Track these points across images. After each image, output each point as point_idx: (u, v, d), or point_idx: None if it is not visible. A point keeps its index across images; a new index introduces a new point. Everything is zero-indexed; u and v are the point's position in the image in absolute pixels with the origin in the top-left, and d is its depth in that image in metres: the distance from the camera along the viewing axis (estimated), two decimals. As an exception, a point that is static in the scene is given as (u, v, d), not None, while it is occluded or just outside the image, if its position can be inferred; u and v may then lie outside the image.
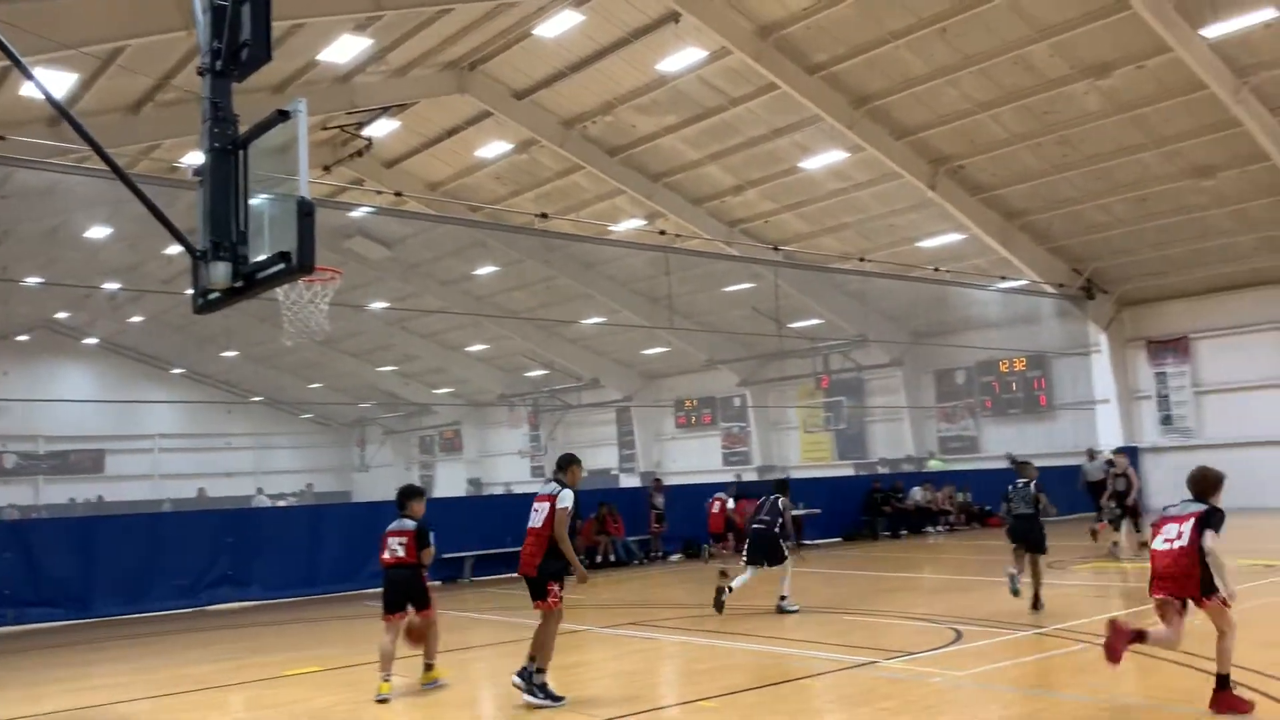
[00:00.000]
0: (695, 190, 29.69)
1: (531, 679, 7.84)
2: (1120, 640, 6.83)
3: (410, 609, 8.67)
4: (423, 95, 26.29)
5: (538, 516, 8.02)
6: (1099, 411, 30.90)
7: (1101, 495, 24.20)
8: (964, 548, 21.63)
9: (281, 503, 34.69)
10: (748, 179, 28.60)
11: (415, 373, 49.13)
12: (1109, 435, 29.92)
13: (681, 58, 22.92)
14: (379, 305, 36.63)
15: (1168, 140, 23.37)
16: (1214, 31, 19.49)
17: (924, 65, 22.60)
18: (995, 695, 7.55)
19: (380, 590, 8.95)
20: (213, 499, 38.55)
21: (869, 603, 13.26)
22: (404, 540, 8.68)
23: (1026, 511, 11.98)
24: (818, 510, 23.36)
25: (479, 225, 29.40)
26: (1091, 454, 23.59)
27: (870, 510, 24.59)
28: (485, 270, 35.89)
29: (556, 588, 7.95)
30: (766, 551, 12.40)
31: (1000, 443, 33.95)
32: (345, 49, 21.86)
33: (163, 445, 48.96)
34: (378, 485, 50.92)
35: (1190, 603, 6.94)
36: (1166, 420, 29.94)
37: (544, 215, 21.11)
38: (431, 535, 8.80)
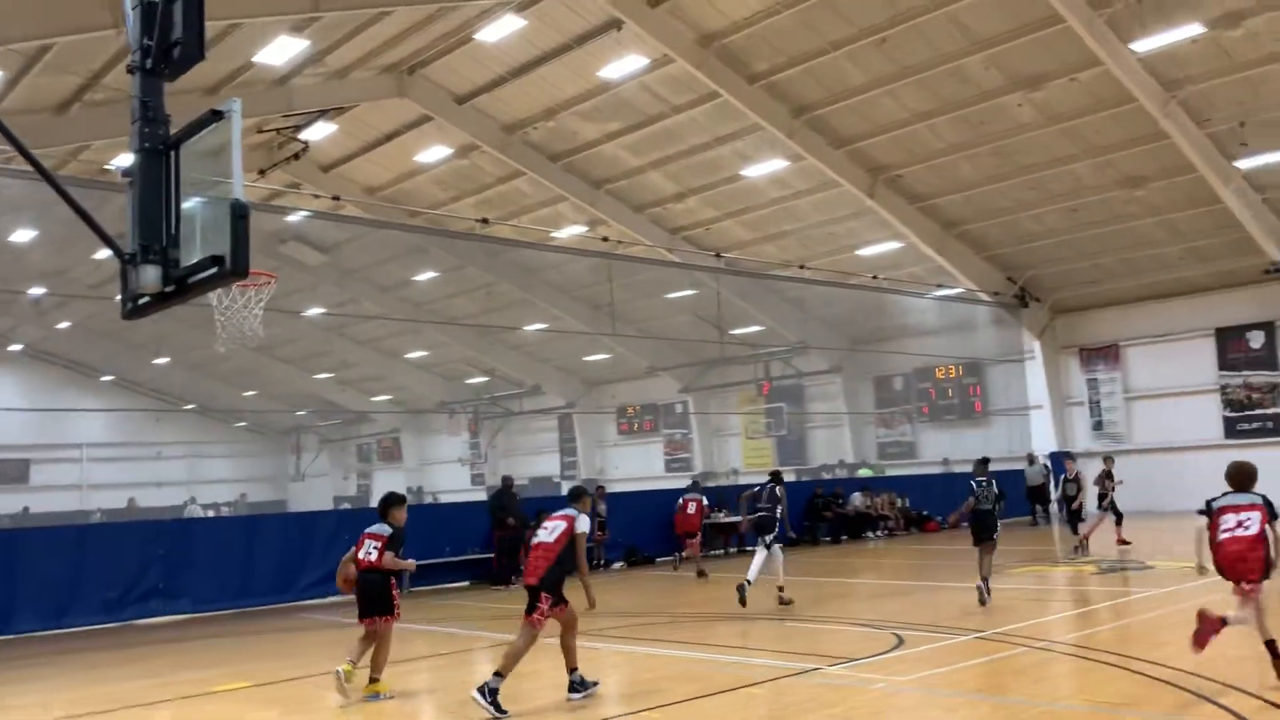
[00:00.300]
0: (637, 197, 29.70)
1: (584, 684, 8.29)
2: (1210, 630, 7.51)
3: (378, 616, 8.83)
4: (362, 99, 25.95)
5: (548, 534, 8.34)
6: (1033, 417, 31.47)
7: (1040, 499, 24.76)
8: (903, 552, 21.85)
9: (212, 512, 33.95)
10: (689, 186, 28.68)
11: (353, 380, 48.47)
12: (1043, 440, 30.49)
13: (623, 65, 22.93)
14: (316, 311, 36.08)
15: (1099, 151, 23.89)
16: (1143, 46, 19.96)
17: (863, 75, 22.85)
18: (937, 700, 7.59)
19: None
20: (143, 509, 37.58)
21: (811, 609, 13.29)
22: (378, 545, 8.81)
23: (987, 508, 12.91)
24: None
25: (419, 230, 29.07)
26: (1031, 459, 24.04)
27: (811, 516, 24.72)
28: (425, 276, 35.53)
29: (547, 604, 8.12)
30: (770, 531, 13.74)
31: (937, 448, 34.46)
32: (282, 50, 21.47)
33: (91, 454, 47.69)
34: (314, 494, 50.16)
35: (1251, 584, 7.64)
36: (1098, 425, 30.59)
37: (485, 221, 20.94)
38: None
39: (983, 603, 12.27)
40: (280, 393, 50.15)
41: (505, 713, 7.73)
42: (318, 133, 27.15)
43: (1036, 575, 15.79)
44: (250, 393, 50.65)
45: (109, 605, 14.99)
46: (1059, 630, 10.75)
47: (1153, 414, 29.59)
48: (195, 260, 6.02)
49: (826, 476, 33.36)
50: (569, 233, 29.26)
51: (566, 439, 46.03)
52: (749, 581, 13.15)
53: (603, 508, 20.59)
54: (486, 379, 44.47)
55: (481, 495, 44.13)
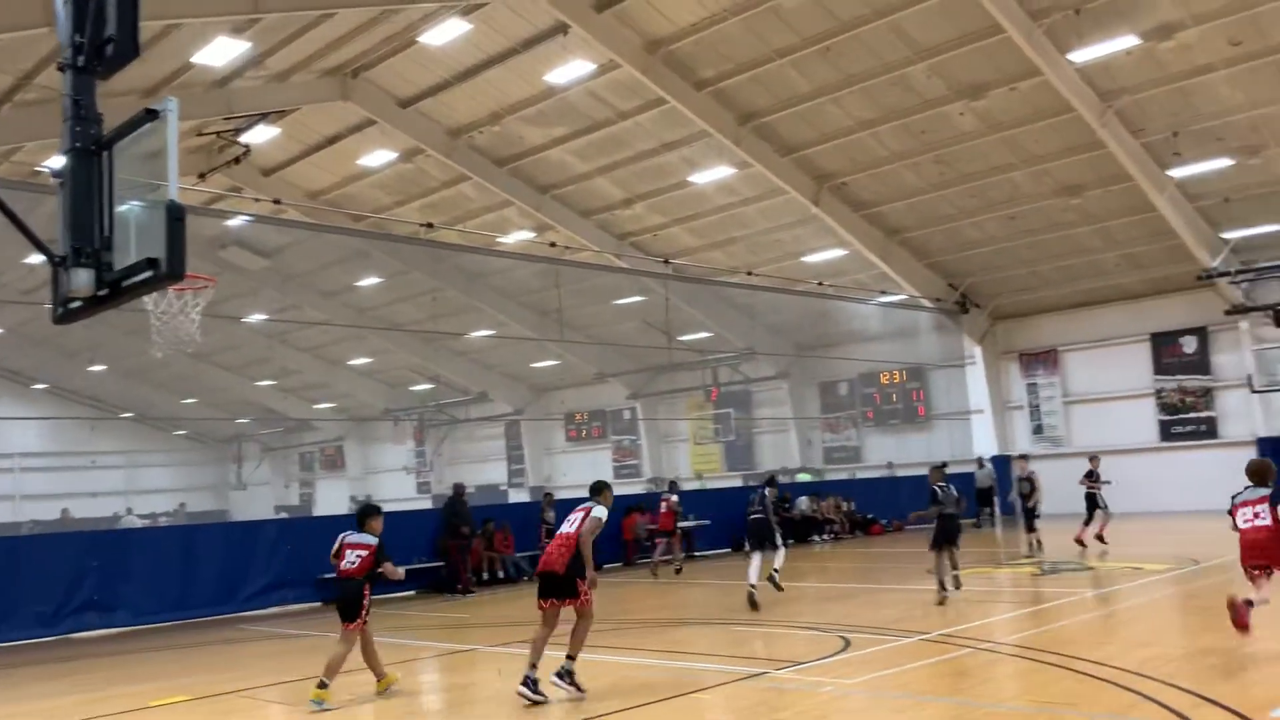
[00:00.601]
0: (585, 203, 29.64)
1: (572, 676, 8.49)
2: (1245, 613, 8.31)
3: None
4: (304, 102, 25.60)
5: (571, 525, 8.84)
6: (974, 421, 31.95)
7: (987, 501, 25.21)
8: (849, 555, 22.02)
9: (147, 522, 33.20)
10: (637, 192, 28.69)
11: (295, 387, 47.75)
12: (984, 444, 30.97)
13: (570, 70, 22.88)
14: (257, 317, 35.48)
15: (1037, 160, 24.33)
16: (1080, 56, 20.36)
17: (808, 83, 23.04)
18: (885, 703, 7.63)
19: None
20: (78, 520, 36.66)
21: (760, 612, 13.32)
22: (362, 554, 9.07)
23: (952, 511, 13.55)
24: (707, 521, 23.48)
25: (362, 235, 28.75)
26: (980, 462, 24.38)
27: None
28: (368, 282, 35.13)
29: (585, 585, 8.62)
30: (765, 536, 14.17)
31: (881, 452, 34.81)
32: (222, 52, 21.11)
33: (24, 465, 46.41)
34: (255, 503, 49.25)
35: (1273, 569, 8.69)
36: (1038, 429, 31.13)
37: (430, 225, 20.74)
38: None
39: (941, 603, 12.72)
40: (221, 400, 49.23)
41: (584, 691, 8.36)
42: (259, 136, 26.70)
43: (982, 576, 15.98)
44: (190, 400, 49.70)
45: (42, 619, 14.57)
46: (1004, 631, 10.88)
47: (1091, 418, 30.19)
48: (129, 263, 5.85)
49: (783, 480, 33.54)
50: (515, 238, 29.12)
51: (514, 446, 45.77)
52: (754, 586, 13.55)
53: (551, 515, 20.48)
54: (432, 386, 44.04)
55: (428, 504, 43.73)
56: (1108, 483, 19.73)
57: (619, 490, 32.46)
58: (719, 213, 29.17)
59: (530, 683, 8.26)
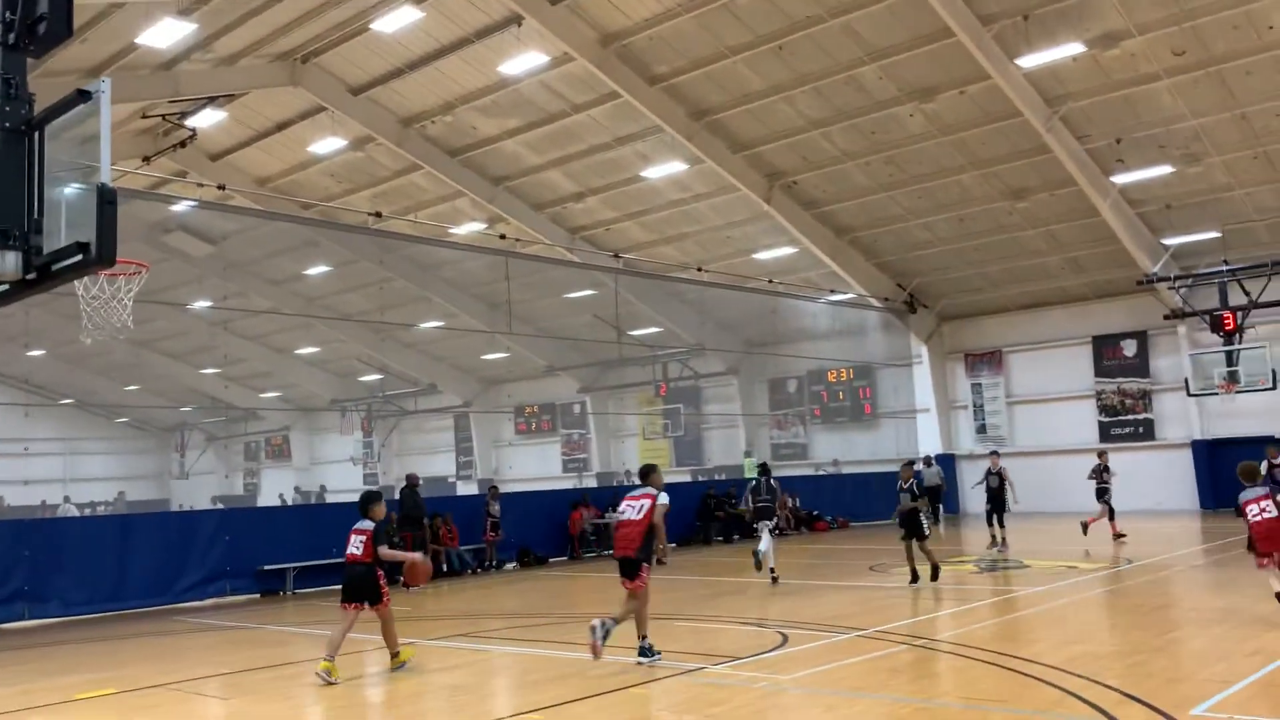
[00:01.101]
0: (537, 195, 29.53)
1: (650, 651, 9.25)
2: None
3: (366, 604, 9.46)
4: (252, 86, 25.25)
5: (633, 511, 9.54)
6: (920, 420, 32.35)
7: (935, 499, 25.70)
8: (793, 552, 22.15)
9: (86, 512, 32.57)
10: (589, 186, 28.65)
11: (241, 376, 47.06)
12: (929, 443, 31.36)
13: (523, 61, 22.79)
14: (202, 304, 34.91)
15: (985, 163, 24.67)
16: (1028, 62, 20.68)
17: (761, 81, 23.15)
18: (817, 699, 7.70)
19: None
20: (10, 508, 35.88)
21: (700, 608, 13.39)
22: (363, 539, 9.47)
23: (912, 506, 14.61)
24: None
25: (310, 223, 28.40)
26: (928, 461, 24.78)
27: (704, 516, 24.93)
28: (317, 270, 34.73)
29: (647, 570, 9.36)
30: (770, 518, 16.07)
31: (828, 449, 35.12)
32: (168, 33, 20.75)
33: (-45, 452, 45.27)
34: (199, 493, 48.49)
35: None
36: (981, 429, 31.60)
37: (378, 214, 20.53)
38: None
39: (935, 576, 14.33)
40: (164, 388, 48.39)
41: (659, 654, 9.21)
42: (205, 120, 26.29)
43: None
44: (132, 387, 48.81)
45: (-31, 610, 14.24)
46: (938, 628, 11.03)
47: (1033, 418, 30.72)
48: (59, 247, 5.75)
49: (720, 477, 33.67)
50: (467, 229, 28.95)
51: (463, 438, 45.55)
52: (761, 559, 15.34)
53: (496, 508, 20.43)
54: (380, 377, 43.68)
55: (374, 495, 43.25)
56: (1115, 475, 20.50)
57: (565, 484, 32.70)
58: (671, 208, 29.23)
59: (646, 651, 9.23)
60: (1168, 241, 25.93)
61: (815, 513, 27.50)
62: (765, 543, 15.62)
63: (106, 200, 5.74)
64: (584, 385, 41.08)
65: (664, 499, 9.52)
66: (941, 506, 27.27)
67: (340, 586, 9.78)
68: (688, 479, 35.15)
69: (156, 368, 45.54)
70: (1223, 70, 20.50)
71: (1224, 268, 24.85)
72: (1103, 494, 20.23)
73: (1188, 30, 19.70)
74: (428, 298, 35.16)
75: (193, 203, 24.53)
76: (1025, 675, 8.11)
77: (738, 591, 15.70)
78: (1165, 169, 23.50)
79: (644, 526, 9.31)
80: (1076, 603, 12.54)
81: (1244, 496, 10.42)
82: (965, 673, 8.64)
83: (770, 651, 9.69)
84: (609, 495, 23.66)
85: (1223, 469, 27.45)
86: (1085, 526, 19.72)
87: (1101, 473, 20.52)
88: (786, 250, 29.80)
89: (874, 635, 10.34)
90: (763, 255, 30.19)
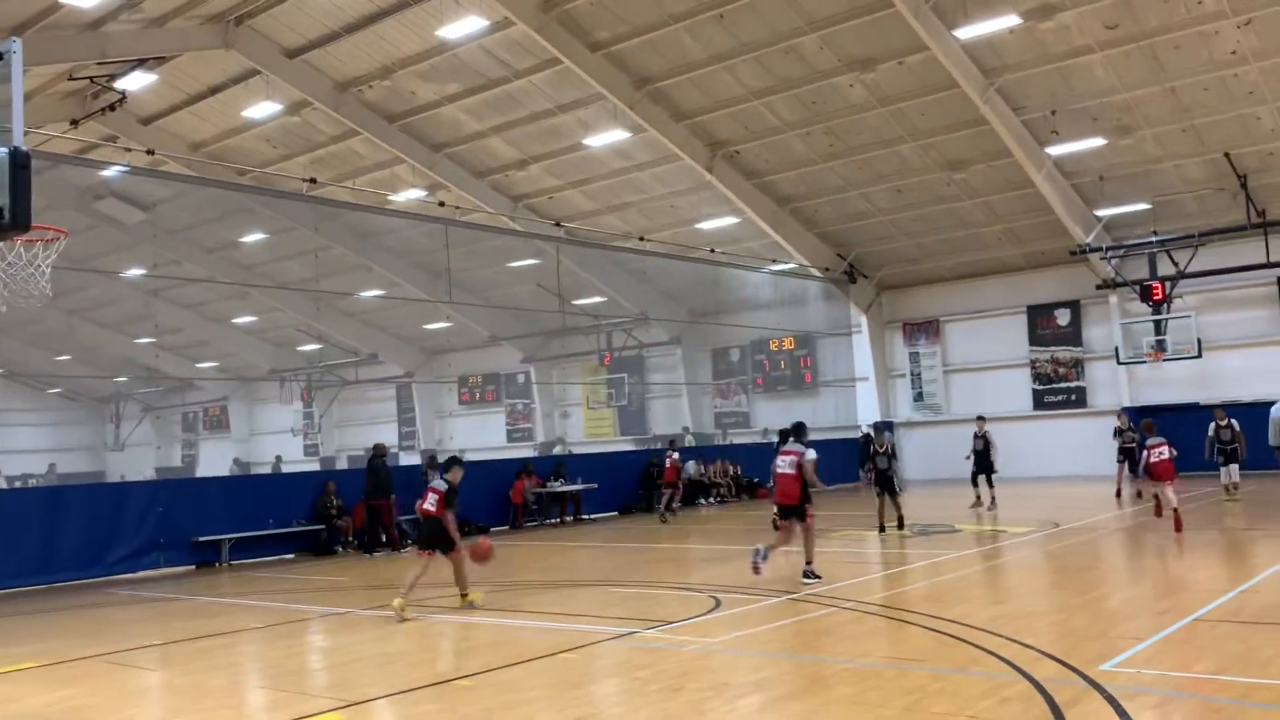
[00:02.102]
0: (478, 163, 29.26)
1: (811, 573, 11.51)
2: None
3: (438, 552, 11.02)
4: (183, 49, 24.64)
5: (786, 465, 11.78)
6: (859, 389, 32.76)
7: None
8: (732, 518, 22.43)
9: (8, 484, 31.87)
10: (531, 154, 28.44)
11: (177, 345, 46.19)
12: (867, 411, 31.79)
13: (463, 25, 22.47)
14: (135, 272, 34.16)
15: (924, 135, 24.90)
16: (966, 33, 20.87)
17: (702, 50, 23.10)
18: (744, 660, 7.84)
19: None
20: (-63, 482, 34.96)
21: (639, 574, 13.52)
22: (437, 497, 11.01)
23: (884, 468, 16.83)
24: (595, 485, 23.63)
25: (245, 189, 27.83)
26: (879, 428, 25.21)
27: (647, 484, 25.07)
28: (253, 238, 34.14)
29: (810, 509, 11.73)
30: (887, 483, 17.09)
31: (770, 418, 35.42)
32: (92, -8, 20.13)
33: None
34: (134, 465, 47.67)
35: None
36: (919, 397, 32.11)
37: (313, 181, 20.20)
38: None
39: (901, 527, 16.46)
40: (97, 358, 47.36)
41: (820, 577, 11.42)
42: (135, 83, 25.62)
43: (854, 539, 16.48)
44: (64, 357, 47.71)
45: (-111, 584, 13.91)
46: (868, 591, 11.25)
47: (969, 386, 31.25)
48: (-33, 211, 5.62)
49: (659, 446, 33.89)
50: (406, 197, 28.61)
51: (405, 409, 45.23)
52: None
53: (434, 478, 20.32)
54: (320, 346, 43.10)
55: (315, 466, 42.91)
56: (1134, 432, 20.98)
57: (511, 454, 32.68)
58: (614, 177, 29.14)
59: (809, 574, 11.43)
60: (1100, 213, 26.43)
61: (756, 480, 27.77)
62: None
63: (20, 164, 5.63)
64: (528, 355, 40.95)
65: (811, 454, 11.69)
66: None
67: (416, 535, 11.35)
68: (631, 448, 35.33)
69: (89, 337, 44.56)
70: (1154, 44, 20.86)
71: (1153, 239, 25.45)
72: (1129, 453, 20.80)
73: (1120, 4, 20.00)
74: (367, 266, 34.74)
75: (123, 168, 23.86)
76: (948, 635, 8.32)
77: (675, 558, 15.88)
78: (1098, 141, 23.91)
79: (798, 479, 11.56)
80: (1003, 565, 12.86)
81: (1148, 443, 14.88)
82: (891, 633, 8.84)
83: (702, 615, 9.82)
84: (551, 465, 23.70)
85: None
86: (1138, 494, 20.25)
87: (1126, 434, 21.24)
88: (729, 220, 29.89)
89: (805, 598, 10.52)
90: (705, 225, 30.25)
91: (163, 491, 17.86)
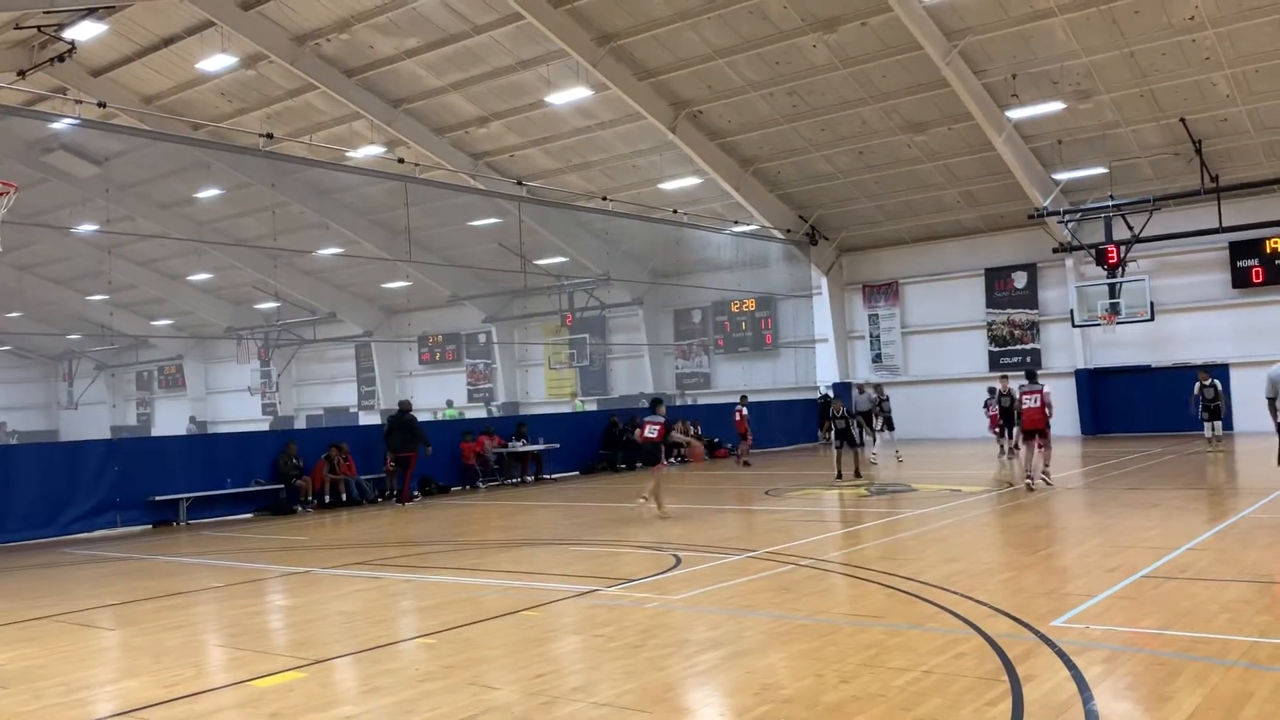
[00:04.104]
0: (438, 119, 28.90)
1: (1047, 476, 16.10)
2: None
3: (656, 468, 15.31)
4: (134, -2, 23.96)
5: (1032, 401, 16.15)
6: (819, 350, 33.02)
7: (868, 423, 27.27)
8: (694, 478, 22.57)
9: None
10: (493, 111, 28.13)
11: (130, 303, 45.50)
12: (826, 371, 32.05)
13: (422, -21, 22.07)
14: (87, 228, 33.51)
15: (885, 97, 24.93)
16: (929, -5, 20.84)
17: (666, 7, 22.91)
18: (703, 617, 7.93)
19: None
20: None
21: (600, 533, 13.61)
22: (656, 427, 15.01)
23: (843, 427, 19.51)
24: (557, 445, 23.65)
25: (200, 144, 27.36)
26: (860, 388, 25.57)
27: (609, 444, 25.16)
28: (208, 193, 33.57)
29: (1050, 430, 16.05)
30: (849, 437, 19.78)
31: (731, 379, 35.65)
32: (38, -63, 19.49)
33: None
34: (89, 423, 47.09)
35: None
36: (877, 358, 32.41)
37: (270, 136, 19.85)
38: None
39: (858, 474, 19.14)
40: (49, 315, 46.58)
41: (1053, 485, 15.79)
42: (85, 33, 24.87)
43: (812, 498, 16.68)
44: (15, 314, 46.83)
45: None
46: (827, 549, 11.41)
47: (927, 348, 31.60)
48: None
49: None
50: (365, 153, 28.19)
51: (365, 368, 44.96)
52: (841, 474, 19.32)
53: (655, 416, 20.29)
54: (277, 304, 42.66)
55: (270, 425, 42.54)
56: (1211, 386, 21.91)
57: (471, 414, 32.46)
58: (576, 135, 28.93)
59: (1038, 479, 15.92)
60: (1058, 176, 26.68)
61: (717, 440, 27.96)
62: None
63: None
64: (489, 315, 40.78)
65: (1048, 388, 16.37)
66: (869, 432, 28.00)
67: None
68: (594, 409, 35.41)
69: (40, 293, 43.73)
70: (1113, 8, 20.98)
71: (1109, 203, 25.74)
72: (1215, 413, 21.65)
73: (1082, -33, 20.07)
74: (325, 224, 34.32)
75: (73, 120, 23.27)
76: (904, 593, 8.47)
77: (637, 517, 15.98)
78: (1057, 105, 24.08)
79: (1042, 410, 15.93)
80: (958, 523, 13.08)
81: (1022, 388, 16.67)
82: (848, 590, 8.98)
83: (664, 573, 9.92)
84: (512, 425, 23.69)
85: (1103, 397, 28.75)
86: None
87: (1002, 396, 21.58)
88: (692, 180, 29.81)
89: (764, 556, 10.65)
90: (668, 185, 30.16)
91: (119, 450, 17.65)
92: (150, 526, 16.76)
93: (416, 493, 20.03)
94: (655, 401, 15.94)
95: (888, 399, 24.69)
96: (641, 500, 14.85)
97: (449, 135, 29.55)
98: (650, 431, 15.12)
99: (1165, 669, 5.93)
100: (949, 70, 22.73)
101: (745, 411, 24.99)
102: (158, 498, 16.82)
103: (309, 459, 18.82)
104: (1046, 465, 16.15)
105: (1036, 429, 15.99)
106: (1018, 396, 17.37)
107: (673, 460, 22.02)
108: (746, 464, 24.19)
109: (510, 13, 23.37)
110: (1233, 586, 8.23)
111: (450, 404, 37.94)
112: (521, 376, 41.64)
